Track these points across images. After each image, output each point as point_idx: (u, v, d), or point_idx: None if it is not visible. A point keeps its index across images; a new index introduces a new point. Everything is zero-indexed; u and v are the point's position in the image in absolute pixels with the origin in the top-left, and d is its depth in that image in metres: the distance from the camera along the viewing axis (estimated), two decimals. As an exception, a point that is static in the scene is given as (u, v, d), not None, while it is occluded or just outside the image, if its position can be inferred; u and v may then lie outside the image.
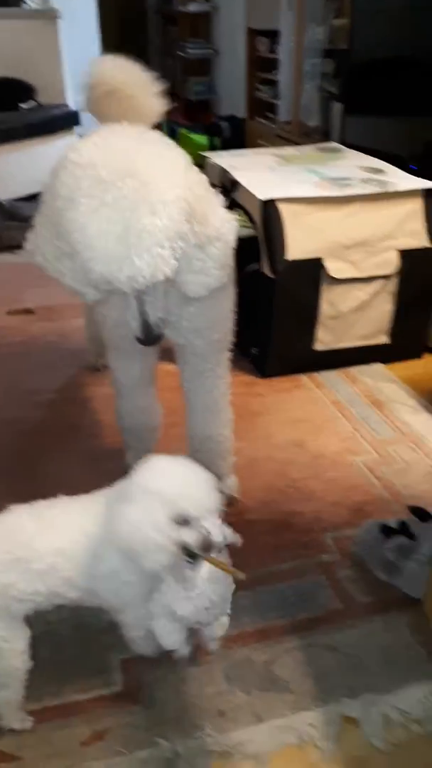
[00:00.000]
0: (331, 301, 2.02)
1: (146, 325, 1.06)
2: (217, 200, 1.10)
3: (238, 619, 1.28)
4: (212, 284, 1.13)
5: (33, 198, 3.75)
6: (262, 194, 1.94)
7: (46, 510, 1.03)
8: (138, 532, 0.92)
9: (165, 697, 1.14)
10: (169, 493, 0.92)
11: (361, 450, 1.77)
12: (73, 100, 4.26)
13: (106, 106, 1.56)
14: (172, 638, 1.03)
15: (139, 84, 1.56)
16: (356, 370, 2.15)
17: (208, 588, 0.97)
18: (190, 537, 0.92)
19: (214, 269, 1.11)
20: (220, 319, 1.35)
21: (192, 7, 5.44)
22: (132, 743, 1.07)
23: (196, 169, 1.09)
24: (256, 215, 2.00)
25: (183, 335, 1.34)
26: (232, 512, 1.56)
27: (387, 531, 1.35)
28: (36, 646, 1.18)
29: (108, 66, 1.57)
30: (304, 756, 1.06)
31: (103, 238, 0.93)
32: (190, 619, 1.01)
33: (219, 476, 1.57)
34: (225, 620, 1.12)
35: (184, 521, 0.93)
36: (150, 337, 1.07)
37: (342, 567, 1.40)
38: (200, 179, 1.06)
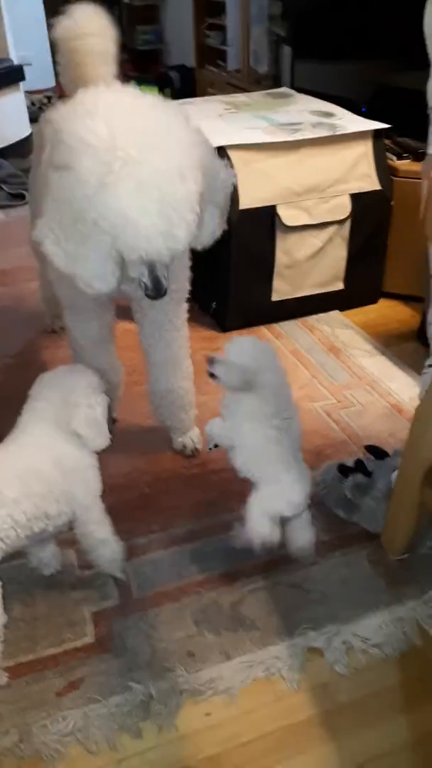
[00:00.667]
0: (286, 250, 2.02)
1: (156, 281, 1.10)
2: (213, 150, 1.13)
3: (204, 564, 1.31)
4: (217, 233, 1.17)
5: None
6: (212, 141, 1.89)
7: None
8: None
9: (136, 644, 1.17)
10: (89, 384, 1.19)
11: (320, 396, 1.80)
12: (16, 55, 4.07)
13: (81, 58, 1.52)
14: (264, 530, 1.17)
15: (108, 33, 1.53)
16: (314, 319, 2.16)
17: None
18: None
19: (219, 217, 1.14)
20: (178, 270, 1.34)
21: None
22: (106, 690, 1.10)
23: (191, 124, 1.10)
24: (206, 165, 1.96)
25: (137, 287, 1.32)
26: (196, 463, 1.58)
27: (344, 470, 1.39)
28: (8, 606, 1.20)
29: (84, 14, 1.52)
30: (271, 688, 1.11)
31: (146, 215, 0.97)
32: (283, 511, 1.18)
33: (182, 429, 1.59)
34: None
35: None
36: (161, 291, 1.11)
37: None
38: (202, 137, 1.08)
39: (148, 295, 1.13)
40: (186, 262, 1.37)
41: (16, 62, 4.03)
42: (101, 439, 1.17)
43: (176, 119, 1.05)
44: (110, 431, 1.20)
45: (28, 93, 4.24)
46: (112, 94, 1.07)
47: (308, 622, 1.20)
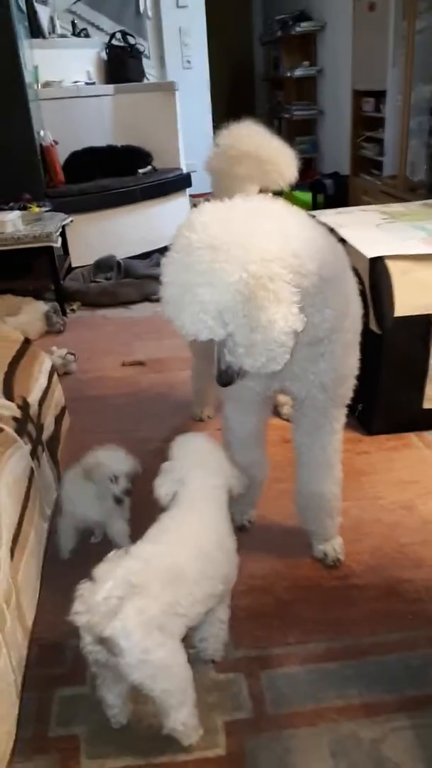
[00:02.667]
0: (442, 359, 1.97)
1: (218, 368, 1.16)
2: (292, 295, 1.06)
3: (343, 689, 1.24)
4: (258, 366, 1.10)
5: (147, 256, 4.00)
6: (370, 252, 1.95)
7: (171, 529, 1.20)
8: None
9: (269, 766, 1.12)
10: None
11: (474, 517, 1.68)
12: (185, 163, 4.54)
13: (237, 169, 1.67)
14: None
15: (270, 148, 1.67)
16: (469, 431, 2.06)
17: None
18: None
19: (260, 355, 1.08)
20: (346, 375, 1.37)
21: (298, 72, 5.67)
22: None
23: (296, 253, 1.07)
24: (363, 272, 2.01)
25: (307, 388, 1.36)
26: (337, 575, 1.52)
27: None
28: (142, 701, 1.21)
29: (242, 132, 1.69)
30: None
31: (171, 287, 1.07)
32: None
33: (325, 537, 1.55)
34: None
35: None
36: (221, 379, 1.17)
37: (456, 642, 1.32)
38: (279, 273, 1.03)
39: (216, 378, 1.18)
40: (353, 367, 1.38)
41: (185, 171, 4.49)
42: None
43: (260, 243, 1.03)
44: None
45: (191, 197, 4.68)
46: (243, 199, 1.12)
47: (460, 778, 1.07)
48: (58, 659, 1.33)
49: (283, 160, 1.75)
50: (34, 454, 1.47)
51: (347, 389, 1.40)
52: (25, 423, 1.49)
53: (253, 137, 1.71)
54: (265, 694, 1.24)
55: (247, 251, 1.01)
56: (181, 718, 1.10)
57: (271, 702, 1.23)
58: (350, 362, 1.36)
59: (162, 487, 1.25)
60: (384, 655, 1.30)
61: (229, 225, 1.04)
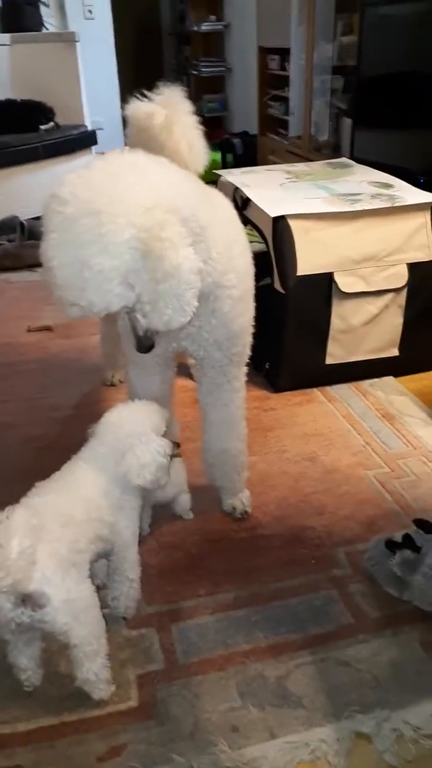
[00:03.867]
0: (342, 316, 2.04)
1: (137, 337, 1.14)
2: (184, 238, 1.05)
3: (250, 634, 1.30)
4: (166, 321, 1.09)
5: (50, 217, 3.84)
6: (273, 211, 1.97)
7: (56, 482, 1.20)
8: (153, 464, 1.21)
9: (179, 712, 1.16)
10: (147, 427, 1.23)
11: (373, 464, 1.78)
12: (90, 120, 4.36)
13: (154, 139, 1.58)
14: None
15: (190, 137, 1.56)
16: (367, 384, 2.16)
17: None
18: (171, 449, 1.27)
19: (165, 307, 1.07)
20: (240, 333, 1.38)
21: (204, 27, 5.54)
22: (148, 759, 1.08)
23: (172, 200, 1.06)
24: (267, 231, 2.03)
25: (203, 347, 1.37)
26: (245, 527, 1.58)
27: (392, 546, 1.36)
28: (54, 662, 1.22)
29: (171, 104, 1.58)
30: (316, 772, 1.07)
31: (63, 269, 1.02)
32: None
33: (233, 490, 1.60)
34: (187, 497, 1.58)
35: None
36: (142, 346, 1.16)
37: (354, 582, 1.41)
38: (164, 219, 1.02)
39: (135, 347, 1.18)
40: (247, 325, 1.40)
41: (90, 128, 4.31)
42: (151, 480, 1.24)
43: (141, 196, 1.02)
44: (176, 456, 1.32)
45: (98, 155, 4.51)
46: (118, 155, 1.10)
47: (356, 704, 1.16)
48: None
49: (195, 157, 1.68)
50: None
51: (243, 347, 1.41)
52: None
53: (179, 113, 1.61)
54: (176, 646, 1.28)
55: (127, 205, 0.99)
56: (95, 668, 1.12)
57: (182, 652, 1.27)
58: (242, 321, 1.37)
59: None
60: (288, 599, 1.37)
61: (98, 187, 1.01)
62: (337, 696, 1.17)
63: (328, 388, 2.14)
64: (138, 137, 1.66)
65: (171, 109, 1.53)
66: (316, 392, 2.13)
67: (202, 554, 1.50)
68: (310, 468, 1.78)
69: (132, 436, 1.22)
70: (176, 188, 1.10)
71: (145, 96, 1.62)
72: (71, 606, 1.05)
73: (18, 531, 0.96)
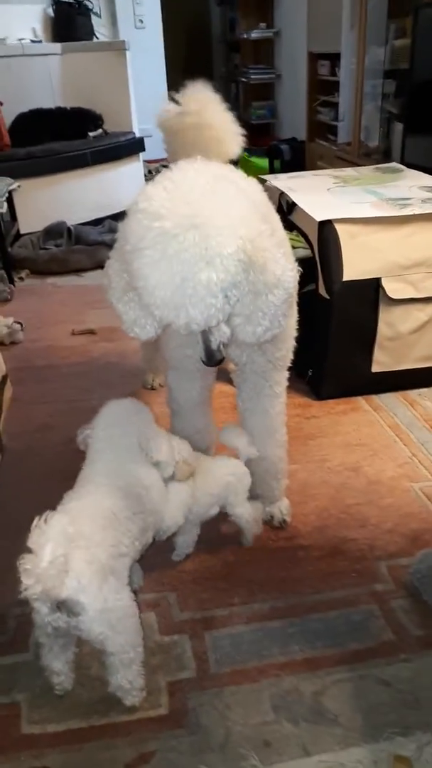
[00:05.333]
0: (390, 322, 1.98)
1: (209, 351, 1.10)
2: (278, 248, 1.07)
3: (286, 646, 1.26)
4: (260, 333, 1.10)
5: (99, 222, 3.90)
6: (319, 215, 1.93)
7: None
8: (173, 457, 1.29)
9: (210, 722, 1.13)
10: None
11: (419, 476, 1.72)
12: (138, 128, 4.41)
13: (186, 134, 1.59)
14: None
15: (220, 117, 1.59)
16: (415, 393, 2.09)
17: None
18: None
19: (263, 319, 1.08)
20: (283, 337, 1.35)
21: (254, 34, 5.55)
22: (176, 768, 1.06)
23: (264, 211, 1.08)
24: (313, 236, 2.00)
25: (246, 352, 1.35)
26: (284, 536, 1.54)
27: (443, 561, 1.30)
28: (86, 665, 1.21)
29: (198, 97, 1.60)
30: (352, 795, 1.02)
31: (162, 288, 0.98)
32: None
33: (272, 499, 1.56)
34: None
35: None
36: (212, 360, 1.12)
37: (396, 597, 1.35)
38: (263, 229, 1.03)
39: (203, 361, 1.14)
40: (290, 330, 1.37)
41: (138, 135, 4.37)
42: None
43: (239, 208, 1.00)
44: None
45: (146, 162, 4.57)
46: (196, 166, 1.07)
47: (396, 726, 1.10)
48: (1, 629, 1.32)
49: (229, 135, 1.69)
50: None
51: (286, 351, 1.39)
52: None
53: (207, 105, 1.64)
54: (208, 654, 1.25)
55: (230, 218, 0.97)
56: (129, 676, 1.11)
57: (214, 661, 1.24)
58: (286, 324, 1.34)
59: (78, 437, 1.33)
60: (327, 612, 1.33)
61: (196, 200, 0.98)
62: (376, 716, 1.12)
63: (373, 397, 2.08)
64: (174, 141, 1.66)
65: (198, 103, 1.54)
66: (360, 401, 2.07)
67: (238, 562, 1.47)
68: (353, 478, 1.72)
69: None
70: (255, 196, 1.09)
71: (173, 100, 1.63)
72: (108, 615, 1.03)
73: (53, 538, 0.95)
